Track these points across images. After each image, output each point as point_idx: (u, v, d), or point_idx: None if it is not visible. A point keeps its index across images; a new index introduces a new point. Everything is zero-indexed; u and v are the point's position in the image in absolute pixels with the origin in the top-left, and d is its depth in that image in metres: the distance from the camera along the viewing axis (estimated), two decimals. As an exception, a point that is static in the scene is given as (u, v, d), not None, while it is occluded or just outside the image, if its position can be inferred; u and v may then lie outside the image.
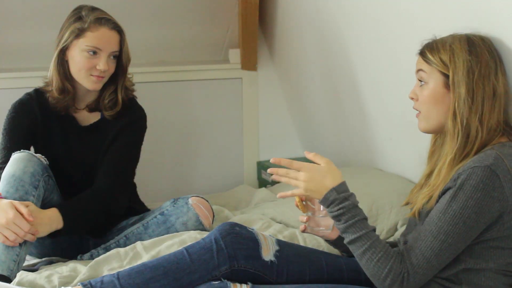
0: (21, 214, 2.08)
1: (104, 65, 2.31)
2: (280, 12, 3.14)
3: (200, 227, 2.32)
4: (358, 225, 1.74)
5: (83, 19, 2.31)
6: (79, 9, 2.35)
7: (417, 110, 1.85)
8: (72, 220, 2.19)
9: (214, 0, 3.16)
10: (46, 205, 2.23)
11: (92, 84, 2.34)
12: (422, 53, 1.83)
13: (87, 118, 2.44)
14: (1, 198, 2.13)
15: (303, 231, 1.95)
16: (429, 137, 1.92)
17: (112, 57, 2.36)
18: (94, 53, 2.31)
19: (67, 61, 2.35)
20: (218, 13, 3.21)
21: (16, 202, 2.10)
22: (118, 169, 2.37)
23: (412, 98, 1.86)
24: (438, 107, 1.79)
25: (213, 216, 2.40)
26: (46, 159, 2.29)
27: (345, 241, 1.76)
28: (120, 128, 2.40)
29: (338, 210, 1.74)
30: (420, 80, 1.83)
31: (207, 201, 2.40)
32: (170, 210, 2.34)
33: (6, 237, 2.06)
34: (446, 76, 1.76)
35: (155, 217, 2.34)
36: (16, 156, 2.24)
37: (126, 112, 2.43)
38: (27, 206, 2.10)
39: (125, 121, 2.41)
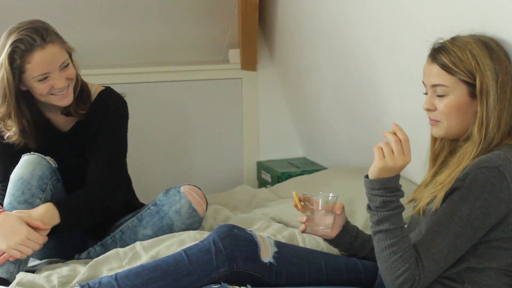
0: (34, 226, 2.08)
1: (61, 82, 2.19)
2: (280, 12, 3.14)
3: (194, 213, 2.30)
4: (399, 216, 1.71)
5: (13, 58, 2.14)
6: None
7: (433, 120, 1.81)
8: (68, 214, 2.16)
9: (214, 0, 3.16)
10: None
11: (60, 101, 2.24)
12: (438, 61, 1.76)
13: (67, 123, 2.37)
14: (3, 211, 2.10)
15: (303, 232, 1.95)
16: (428, 138, 1.91)
17: (63, 67, 2.20)
18: (45, 78, 2.18)
19: (27, 90, 2.23)
20: (218, 13, 3.21)
21: (24, 216, 2.08)
22: (108, 161, 2.31)
23: (428, 110, 1.81)
24: (462, 116, 1.77)
25: (207, 203, 2.38)
26: (55, 162, 2.27)
27: (376, 229, 1.71)
28: (100, 121, 2.33)
29: (392, 196, 1.70)
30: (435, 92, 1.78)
31: (199, 188, 2.38)
32: (163, 200, 2.33)
33: (22, 252, 2.06)
34: (470, 84, 1.74)
35: (149, 208, 2.33)
36: (25, 159, 2.22)
37: (102, 104, 2.36)
38: (29, 216, 2.08)
39: (103, 113, 2.34)
